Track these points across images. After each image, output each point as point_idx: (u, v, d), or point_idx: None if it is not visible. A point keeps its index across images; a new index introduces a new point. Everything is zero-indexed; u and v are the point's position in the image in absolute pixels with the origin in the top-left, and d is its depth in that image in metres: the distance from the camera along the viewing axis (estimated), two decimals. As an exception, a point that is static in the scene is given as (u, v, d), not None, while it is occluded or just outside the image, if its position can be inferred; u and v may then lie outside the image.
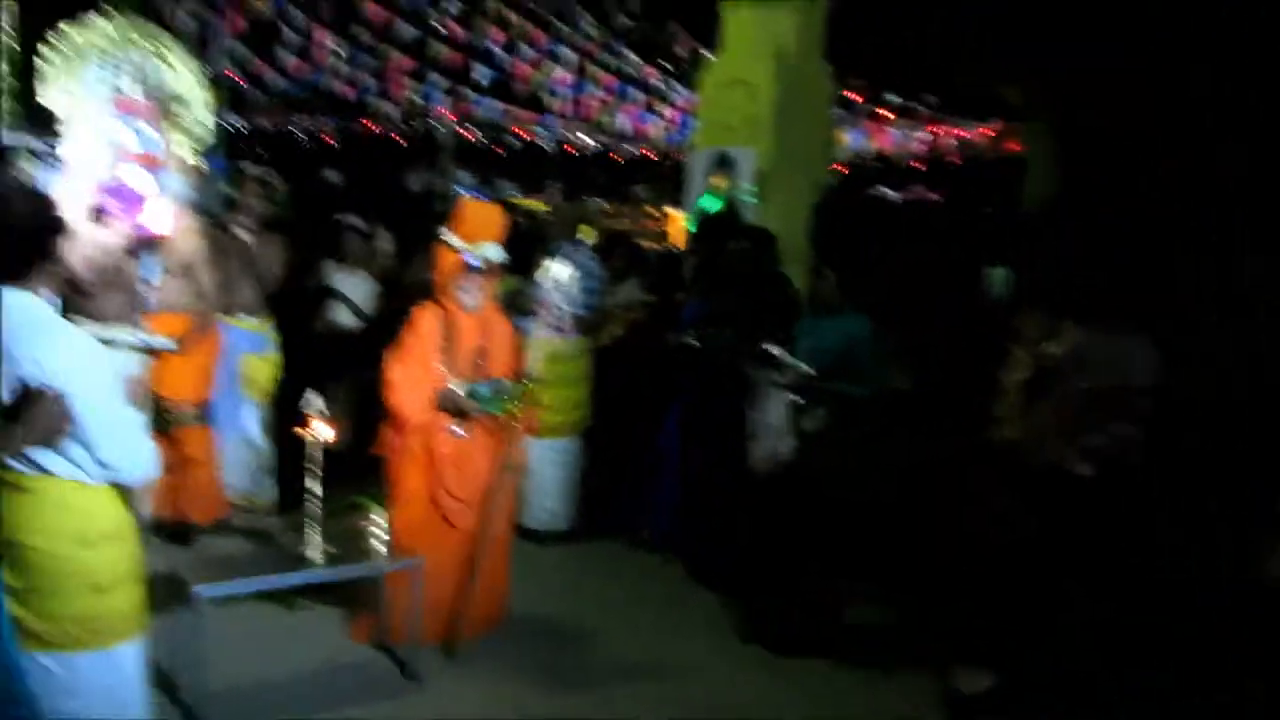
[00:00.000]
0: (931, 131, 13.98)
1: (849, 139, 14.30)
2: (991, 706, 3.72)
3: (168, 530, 4.81)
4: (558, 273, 4.04)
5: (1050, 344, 3.72)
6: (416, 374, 3.84)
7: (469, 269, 3.86)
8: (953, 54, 10.53)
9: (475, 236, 3.87)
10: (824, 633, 4.14)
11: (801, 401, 4.06)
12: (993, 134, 13.21)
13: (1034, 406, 3.76)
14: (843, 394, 4.03)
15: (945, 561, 4.52)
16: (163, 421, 4.59)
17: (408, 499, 3.88)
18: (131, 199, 4.38)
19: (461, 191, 16.17)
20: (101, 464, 2.40)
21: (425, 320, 3.93)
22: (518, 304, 5.03)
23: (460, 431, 3.91)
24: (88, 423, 2.31)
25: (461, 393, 3.88)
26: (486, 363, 3.97)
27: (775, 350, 4.11)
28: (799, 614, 4.15)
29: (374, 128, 17.69)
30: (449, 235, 3.90)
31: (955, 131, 13.78)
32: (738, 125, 6.71)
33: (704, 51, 10.68)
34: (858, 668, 4.02)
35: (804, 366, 4.05)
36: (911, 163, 14.75)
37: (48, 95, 4.62)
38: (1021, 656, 3.72)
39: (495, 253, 3.92)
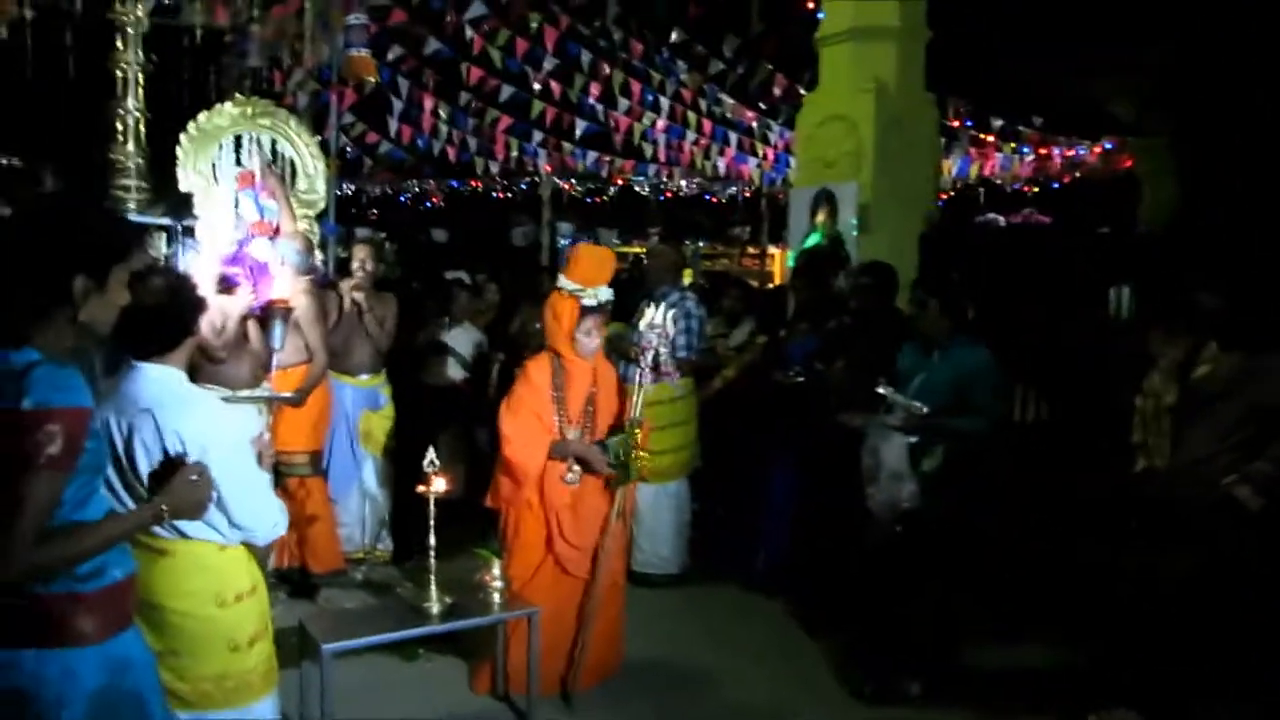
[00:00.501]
0: (1039, 153, 13.53)
1: (954, 165, 13.96)
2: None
3: (292, 584, 4.97)
4: (658, 317, 4.02)
5: (1200, 367, 3.51)
6: (530, 425, 3.87)
7: (586, 311, 3.89)
8: (1059, 73, 10.22)
9: (590, 279, 3.91)
10: (938, 675, 3.96)
11: (915, 440, 3.90)
12: (1102, 151, 12.70)
13: (1184, 433, 3.54)
14: (960, 431, 3.86)
15: (1093, 602, 4.28)
16: (278, 475, 4.76)
17: (523, 548, 3.90)
18: (254, 267, 4.59)
19: (564, 242, 16.48)
20: (236, 526, 2.49)
21: (537, 370, 3.96)
22: (621, 349, 5.06)
23: (573, 479, 3.92)
24: (223, 488, 2.39)
25: (572, 439, 3.90)
26: (596, 410, 3.99)
27: (886, 390, 3.97)
28: (912, 657, 3.98)
29: (477, 185, 18.19)
30: (564, 281, 3.95)
31: (1064, 151, 13.29)
32: (837, 160, 6.66)
33: (800, 89, 10.64)
34: (978, 711, 3.85)
35: (917, 405, 3.89)
36: (1022, 186, 14.30)
37: (184, 178, 4.96)
38: (1176, 702, 3.47)
39: (608, 294, 3.96)
